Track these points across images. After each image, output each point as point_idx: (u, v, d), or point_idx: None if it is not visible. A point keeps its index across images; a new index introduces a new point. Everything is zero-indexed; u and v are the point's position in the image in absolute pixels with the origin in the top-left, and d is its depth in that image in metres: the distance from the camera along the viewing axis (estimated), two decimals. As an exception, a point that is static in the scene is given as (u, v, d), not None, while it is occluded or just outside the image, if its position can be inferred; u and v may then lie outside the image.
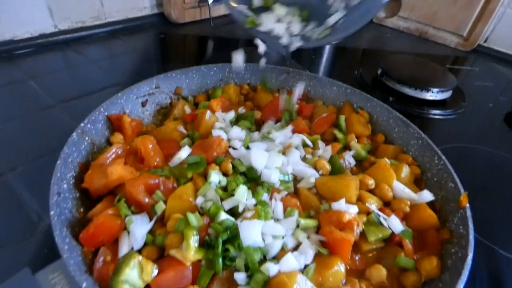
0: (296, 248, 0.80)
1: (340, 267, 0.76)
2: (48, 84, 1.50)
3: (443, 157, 1.02)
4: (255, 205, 0.85)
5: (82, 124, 0.96)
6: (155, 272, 0.69)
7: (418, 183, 1.04)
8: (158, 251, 0.76)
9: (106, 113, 1.06)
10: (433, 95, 1.61)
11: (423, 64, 1.83)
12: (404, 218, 0.90)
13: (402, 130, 1.18)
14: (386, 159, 1.00)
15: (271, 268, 0.71)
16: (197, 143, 1.02)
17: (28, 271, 0.63)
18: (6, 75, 1.52)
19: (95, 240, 0.73)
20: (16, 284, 0.60)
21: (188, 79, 1.31)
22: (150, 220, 0.80)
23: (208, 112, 1.10)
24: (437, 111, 1.59)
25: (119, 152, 0.96)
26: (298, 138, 1.06)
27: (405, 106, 1.58)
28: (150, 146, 0.95)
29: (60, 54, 1.74)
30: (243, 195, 0.84)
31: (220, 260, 0.71)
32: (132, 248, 0.74)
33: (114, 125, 1.07)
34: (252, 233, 0.75)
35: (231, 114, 1.16)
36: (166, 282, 0.69)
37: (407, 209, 0.90)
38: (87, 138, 0.97)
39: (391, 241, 0.85)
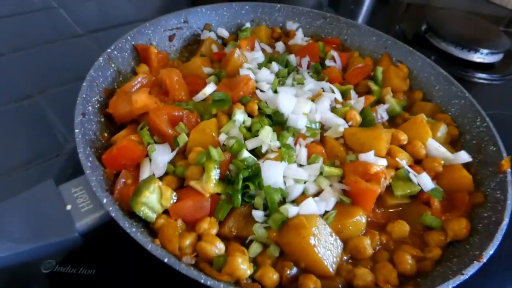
0: (317, 195, 0.78)
1: (361, 218, 0.73)
2: (77, 14, 1.46)
3: (487, 119, 0.94)
4: (279, 148, 0.81)
5: (109, 50, 0.93)
6: (174, 199, 0.69)
7: (454, 145, 0.97)
8: (178, 181, 0.76)
9: (133, 42, 1.02)
10: (481, 57, 1.46)
11: (474, 23, 1.65)
12: (435, 178, 0.85)
13: (443, 89, 1.08)
14: (423, 115, 0.93)
15: (290, 209, 0.69)
16: (224, 81, 0.97)
17: (52, 183, 0.64)
18: (39, 1, 1.49)
19: (117, 162, 0.73)
20: (40, 193, 0.62)
21: (218, 16, 1.24)
22: (172, 151, 0.78)
23: (238, 50, 1.04)
24: (483, 75, 1.46)
25: (144, 82, 0.93)
26: (329, 86, 1.00)
27: (449, 67, 1.43)
28: (176, 78, 0.92)
29: (89, -16, 1.69)
30: (267, 136, 0.80)
31: (240, 195, 0.70)
32: (153, 175, 0.74)
33: (141, 55, 1.04)
34: (274, 173, 0.72)
35: (261, 57, 1.09)
36: (184, 210, 0.69)
37: (440, 168, 0.85)
38: (113, 65, 0.95)
39: (418, 199, 0.81)
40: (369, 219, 0.77)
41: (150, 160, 0.76)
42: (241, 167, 0.73)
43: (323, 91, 1.00)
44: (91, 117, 0.80)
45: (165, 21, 1.11)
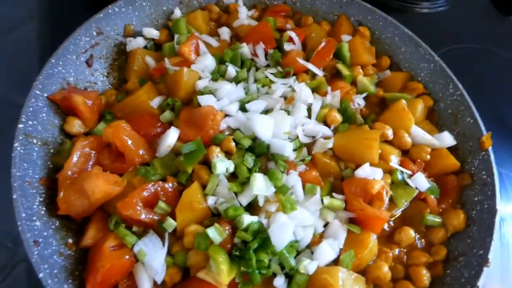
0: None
1: (374, 242, 0.73)
2: None
3: (460, 86, 0.92)
4: (275, 192, 0.73)
5: (20, 126, 0.70)
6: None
7: (430, 116, 0.96)
8: (180, 270, 0.67)
9: (45, 95, 0.77)
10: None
11: None
12: (425, 167, 0.85)
13: (409, 51, 1.02)
14: (403, 101, 0.88)
15: (309, 266, 0.67)
16: (184, 117, 0.80)
17: None
18: None
19: (106, 285, 0.62)
20: None
21: (137, 10, 0.96)
22: (159, 236, 0.67)
23: (185, 70, 0.84)
24: (427, 3, 1.39)
25: (87, 152, 0.74)
26: (301, 88, 0.87)
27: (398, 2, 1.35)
28: (128, 140, 0.73)
29: None
30: (262, 187, 0.71)
31: (257, 272, 0.65)
32: (155, 282, 0.64)
33: (62, 106, 0.80)
34: (285, 236, 0.67)
35: (212, 63, 0.90)
36: (206, 312, 0.63)
37: (428, 157, 0.85)
38: (35, 141, 0.72)
39: (415, 198, 0.82)
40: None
41: (144, 264, 0.65)
42: (247, 239, 0.66)
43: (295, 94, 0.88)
44: (44, 234, 0.64)
45: (74, 45, 0.83)
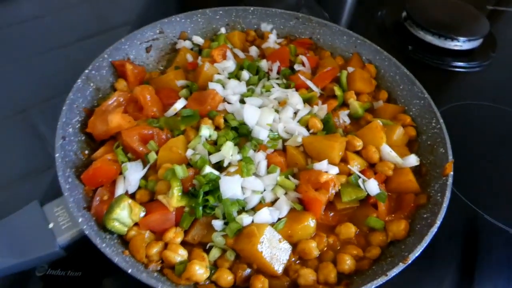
0: (274, 202, 0.87)
1: (310, 223, 0.82)
2: (65, 21, 1.53)
3: (441, 121, 1.00)
4: (240, 160, 0.90)
5: (86, 71, 1.01)
6: (143, 213, 0.79)
7: (411, 145, 1.04)
8: (149, 194, 0.86)
9: (110, 59, 1.10)
10: (458, 44, 1.47)
11: (456, 8, 1.63)
12: (386, 181, 0.93)
13: (406, 88, 1.13)
14: (379, 121, 0.99)
15: (245, 219, 0.79)
16: (194, 95, 1.05)
17: (37, 204, 0.75)
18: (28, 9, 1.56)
19: (95, 181, 0.84)
20: (26, 214, 0.73)
21: (193, 23, 1.29)
22: (144, 167, 0.88)
23: (207, 64, 1.10)
24: (460, 63, 1.47)
25: (121, 100, 1.02)
26: (293, 95, 1.06)
27: (425, 56, 1.47)
28: (148, 96, 1.00)
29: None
30: (228, 151, 0.89)
31: (201, 208, 0.80)
32: (127, 191, 0.84)
33: (118, 71, 1.12)
34: (232, 187, 0.82)
35: (232, 66, 1.15)
36: (152, 223, 0.79)
37: (390, 172, 0.92)
38: (92, 84, 1.03)
39: (367, 202, 0.89)
40: (321, 221, 0.86)
41: (124, 177, 0.86)
42: (202, 182, 0.83)
43: (288, 99, 1.06)
44: (72, 138, 0.90)
45: (141, 35, 1.18)
